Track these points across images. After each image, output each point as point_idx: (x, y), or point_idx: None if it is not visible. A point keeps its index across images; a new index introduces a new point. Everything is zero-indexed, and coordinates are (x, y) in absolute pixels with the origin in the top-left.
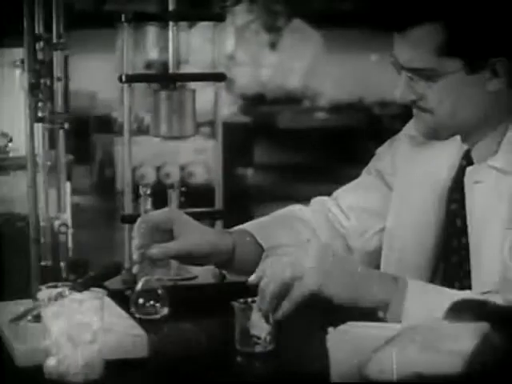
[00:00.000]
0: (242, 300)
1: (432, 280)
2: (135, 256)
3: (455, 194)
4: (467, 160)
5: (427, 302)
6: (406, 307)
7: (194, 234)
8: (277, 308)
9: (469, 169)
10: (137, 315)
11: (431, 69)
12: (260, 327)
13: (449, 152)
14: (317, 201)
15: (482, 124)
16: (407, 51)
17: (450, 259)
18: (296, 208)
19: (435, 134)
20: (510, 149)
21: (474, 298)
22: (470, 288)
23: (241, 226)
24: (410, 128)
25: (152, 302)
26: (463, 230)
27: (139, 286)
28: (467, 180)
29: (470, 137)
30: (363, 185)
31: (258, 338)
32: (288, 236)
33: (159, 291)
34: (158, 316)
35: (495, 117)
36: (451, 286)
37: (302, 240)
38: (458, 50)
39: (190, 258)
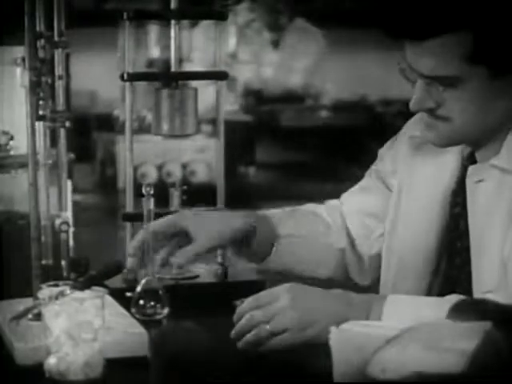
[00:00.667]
0: (243, 299)
1: (432, 282)
2: (131, 262)
3: (459, 197)
4: (471, 161)
5: (402, 316)
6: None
7: (210, 231)
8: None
9: (471, 168)
10: (137, 316)
11: (455, 76)
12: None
13: (451, 153)
14: (332, 204)
15: (495, 130)
16: (429, 59)
17: (454, 261)
18: (313, 205)
19: (449, 142)
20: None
21: (474, 297)
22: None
23: (261, 212)
24: (410, 128)
25: (153, 303)
26: (466, 233)
27: (140, 286)
28: (469, 179)
29: (479, 142)
30: (365, 188)
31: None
32: (304, 227)
33: (160, 292)
34: (158, 317)
35: (506, 121)
36: (453, 288)
37: (318, 231)
38: (484, 56)
39: (214, 250)
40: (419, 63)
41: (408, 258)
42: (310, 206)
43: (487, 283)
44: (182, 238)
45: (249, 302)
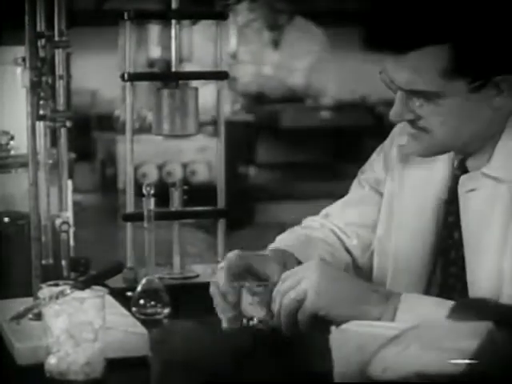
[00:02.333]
0: (235, 283)
1: (428, 290)
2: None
3: (452, 206)
4: (462, 170)
5: (418, 316)
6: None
7: (272, 266)
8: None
9: (462, 177)
10: (138, 316)
11: (434, 91)
12: (252, 310)
13: (442, 162)
14: (317, 220)
15: (480, 139)
16: (407, 73)
17: (449, 270)
18: (314, 225)
19: (432, 153)
20: (503, 157)
21: (476, 298)
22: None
23: (280, 248)
24: (396, 137)
25: (153, 303)
26: (461, 242)
27: (140, 286)
28: (461, 189)
29: (465, 150)
30: (357, 199)
31: (250, 319)
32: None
33: (160, 292)
34: (158, 317)
35: (493, 130)
36: (450, 297)
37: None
38: (463, 70)
39: None
40: (397, 76)
41: (402, 266)
42: (314, 230)
43: (483, 292)
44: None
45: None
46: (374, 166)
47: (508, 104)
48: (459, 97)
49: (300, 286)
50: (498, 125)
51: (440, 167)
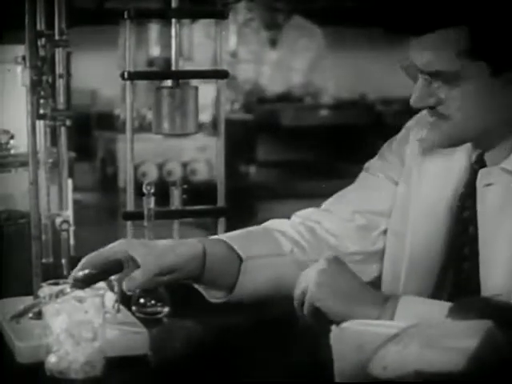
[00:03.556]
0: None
1: (441, 285)
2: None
3: (468, 201)
4: (480, 164)
5: (416, 319)
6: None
7: (151, 255)
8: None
9: (481, 171)
10: (138, 314)
11: (454, 72)
12: None
13: (460, 156)
14: (299, 215)
15: (498, 129)
16: (428, 53)
17: (462, 267)
18: (276, 221)
19: (450, 142)
20: None
21: (476, 297)
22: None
23: (215, 236)
24: (412, 130)
25: (153, 302)
26: (476, 238)
27: None
28: (479, 183)
29: (484, 142)
30: (366, 185)
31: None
32: (268, 246)
33: (160, 291)
34: (158, 316)
35: (508, 121)
36: (463, 292)
37: (284, 251)
38: (483, 52)
39: (161, 278)
40: (418, 58)
41: (415, 261)
42: (274, 223)
43: (496, 288)
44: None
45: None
46: (387, 157)
47: None
48: (480, 80)
49: (307, 276)
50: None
51: (457, 162)
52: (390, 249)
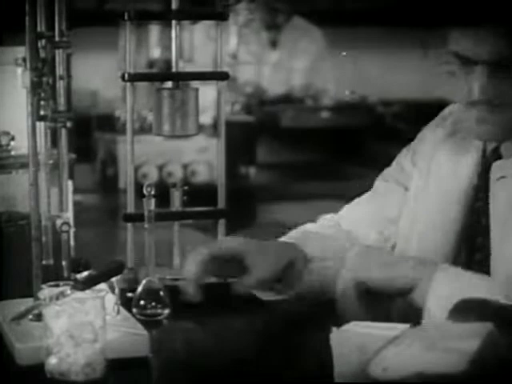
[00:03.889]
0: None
1: None
2: (191, 286)
3: (480, 192)
4: (496, 156)
5: (455, 285)
6: (433, 286)
7: (267, 262)
8: None
9: (494, 164)
10: (138, 316)
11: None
12: None
13: (473, 148)
14: (328, 218)
15: None
16: (491, 44)
17: (474, 257)
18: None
19: (499, 136)
20: None
21: (476, 298)
22: None
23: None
24: (431, 131)
25: (153, 304)
26: (487, 229)
27: (141, 286)
28: (493, 175)
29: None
30: (380, 192)
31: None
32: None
33: (161, 292)
34: (159, 318)
35: None
36: None
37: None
38: None
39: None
40: (479, 49)
41: (426, 251)
42: (325, 225)
43: (505, 278)
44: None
45: None
46: (403, 163)
47: None
48: None
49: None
50: None
51: (471, 155)
52: (399, 242)
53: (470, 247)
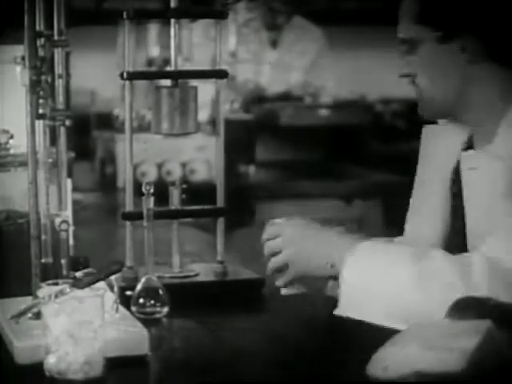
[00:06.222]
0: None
1: None
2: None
3: (457, 183)
4: (468, 146)
5: (370, 256)
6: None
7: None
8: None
9: (464, 154)
10: (137, 315)
11: (410, 38)
12: None
13: (457, 137)
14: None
15: (479, 106)
16: (400, 23)
17: (453, 240)
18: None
19: (429, 113)
20: (506, 134)
21: (475, 296)
22: None
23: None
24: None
25: (152, 302)
26: (463, 215)
27: (140, 285)
28: (463, 166)
29: (468, 119)
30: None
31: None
32: None
33: (160, 291)
34: (158, 316)
35: (486, 100)
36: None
37: None
38: (430, 18)
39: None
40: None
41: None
42: None
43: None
44: None
45: (266, 231)
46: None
47: (486, 69)
48: (428, 45)
49: (278, 253)
50: (490, 96)
51: (453, 143)
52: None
53: (451, 230)
